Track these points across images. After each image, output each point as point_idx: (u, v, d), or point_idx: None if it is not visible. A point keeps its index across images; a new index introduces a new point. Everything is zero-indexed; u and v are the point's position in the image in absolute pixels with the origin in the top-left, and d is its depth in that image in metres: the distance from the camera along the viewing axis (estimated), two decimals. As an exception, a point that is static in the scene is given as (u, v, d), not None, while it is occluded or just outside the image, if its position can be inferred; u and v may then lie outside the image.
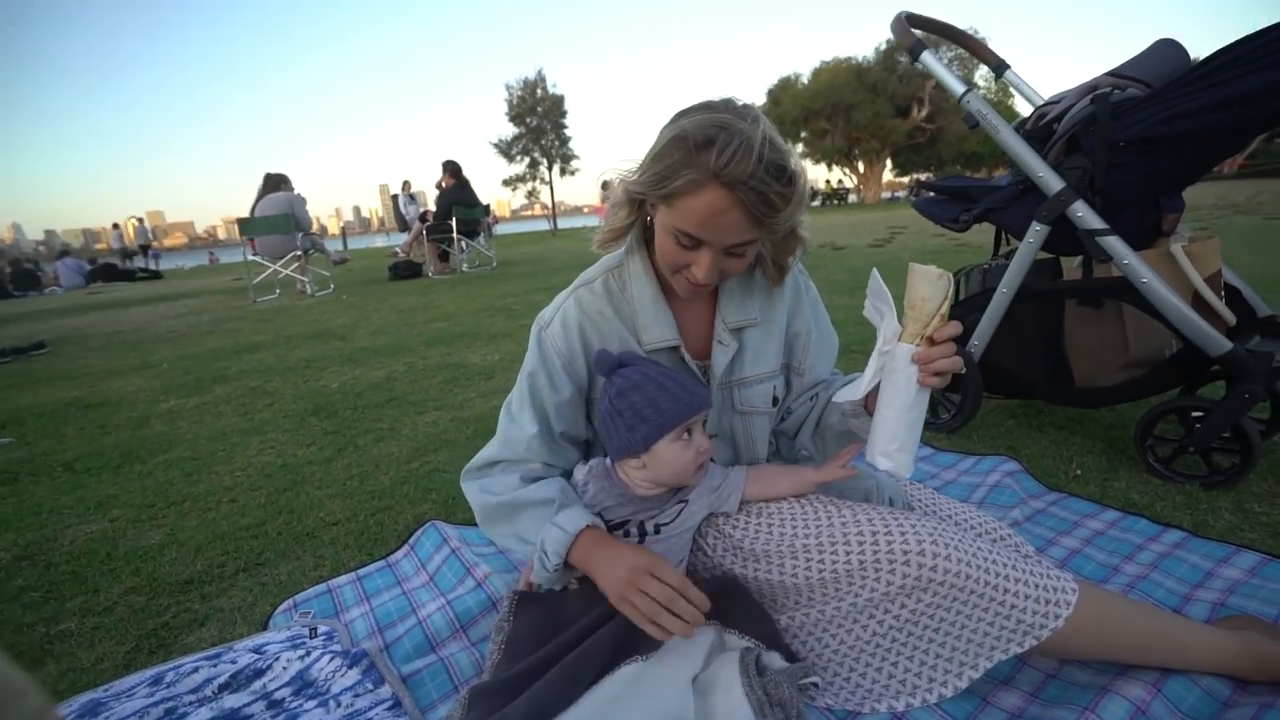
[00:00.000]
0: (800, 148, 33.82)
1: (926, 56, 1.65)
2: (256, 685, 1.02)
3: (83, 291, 11.87)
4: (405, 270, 8.11)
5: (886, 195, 37.18)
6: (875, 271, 0.85)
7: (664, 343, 1.00)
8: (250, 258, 6.89)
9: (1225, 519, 1.34)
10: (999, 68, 1.99)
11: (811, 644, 0.94)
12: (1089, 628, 0.85)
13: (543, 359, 1.01)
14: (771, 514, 0.99)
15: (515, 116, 27.64)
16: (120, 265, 14.78)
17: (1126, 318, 1.57)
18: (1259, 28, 1.26)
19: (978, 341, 1.76)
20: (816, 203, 33.50)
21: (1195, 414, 1.53)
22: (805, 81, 33.17)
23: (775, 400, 1.07)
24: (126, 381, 3.47)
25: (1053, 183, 1.53)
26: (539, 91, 27.49)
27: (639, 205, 0.95)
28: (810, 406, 1.09)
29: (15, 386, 3.55)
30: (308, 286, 7.04)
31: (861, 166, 35.17)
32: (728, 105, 0.85)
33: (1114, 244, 1.47)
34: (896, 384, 0.82)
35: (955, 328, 0.81)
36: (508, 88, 27.63)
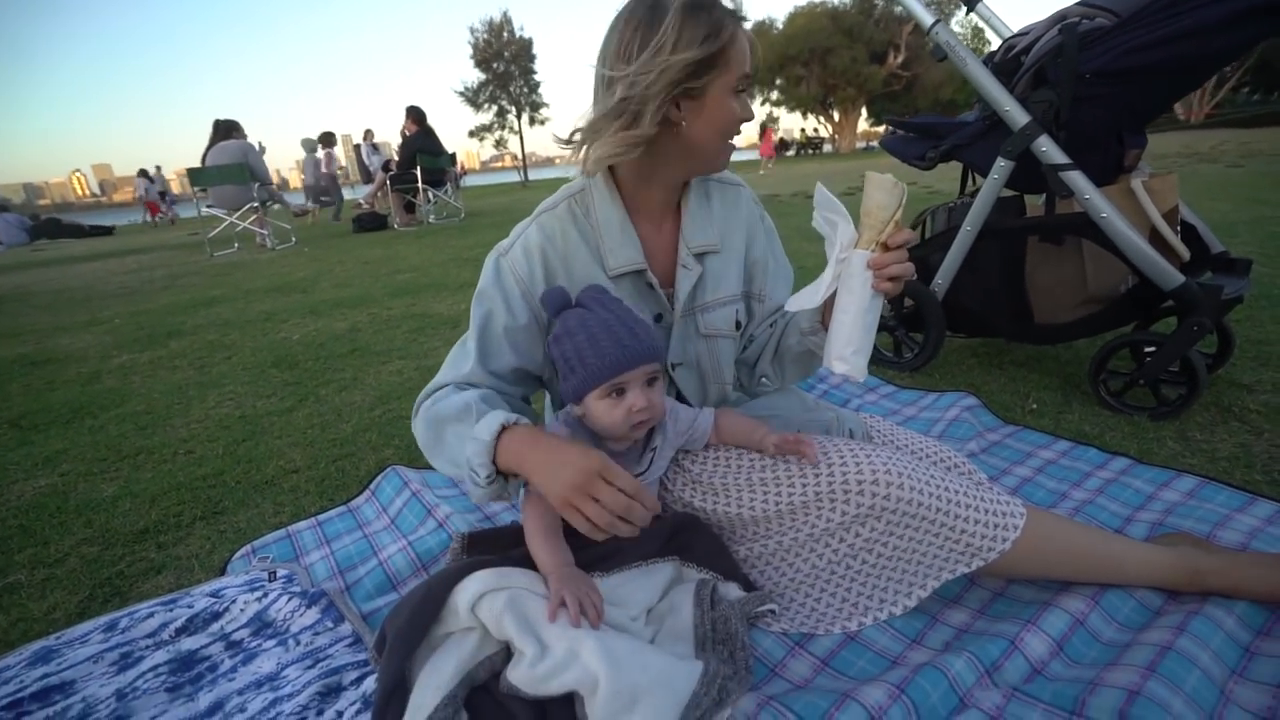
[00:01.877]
0: (776, 95, 33.28)
1: (896, -17, 1.59)
2: (214, 627, 1.01)
3: (26, 248, 11.27)
4: (369, 222, 7.86)
5: (862, 144, 36.90)
6: (820, 184, 0.85)
7: (630, 266, 0.98)
8: (205, 210, 6.60)
9: (1169, 447, 1.39)
10: (971, 0, 1.94)
11: (769, 573, 0.96)
12: (1035, 549, 0.88)
13: (500, 284, 0.97)
14: (730, 449, 1.00)
15: (481, 61, 26.55)
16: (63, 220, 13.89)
17: (1086, 254, 1.58)
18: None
19: (941, 280, 1.77)
20: (790, 152, 33.10)
21: (1147, 349, 1.57)
22: (780, 27, 32.33)
23: (738, 324, 1.07)
24: (75, 338, 3.33)
25: (1018, 117, 1.51)
26: (505, 35, 26.35)
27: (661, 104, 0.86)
28: (770, 333, 1.09)
29: (-46, 345, 3.39)
30: (267, 239, 6.79)
31: (837, 115, 34.71)
32: None
33: (1076, 179, 1.47)
34: (852, 289, 0.83)
35: (909, 234, 0.82)
36: (472, 30, 26.49)
